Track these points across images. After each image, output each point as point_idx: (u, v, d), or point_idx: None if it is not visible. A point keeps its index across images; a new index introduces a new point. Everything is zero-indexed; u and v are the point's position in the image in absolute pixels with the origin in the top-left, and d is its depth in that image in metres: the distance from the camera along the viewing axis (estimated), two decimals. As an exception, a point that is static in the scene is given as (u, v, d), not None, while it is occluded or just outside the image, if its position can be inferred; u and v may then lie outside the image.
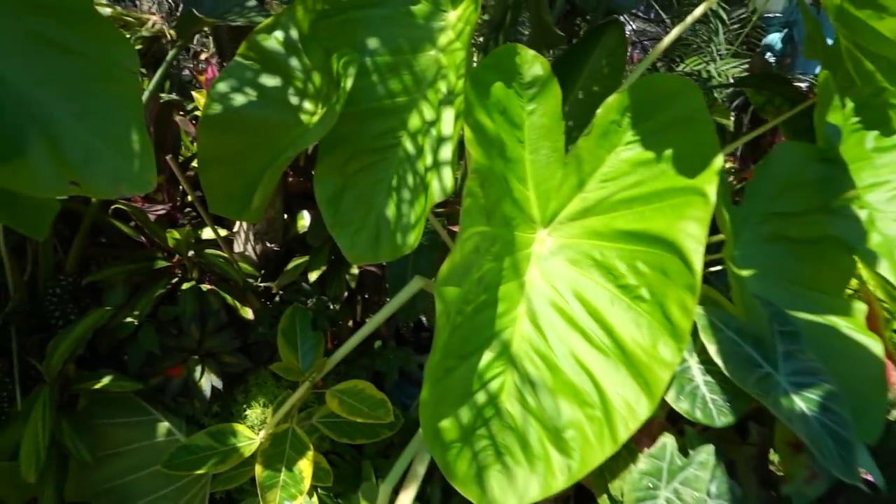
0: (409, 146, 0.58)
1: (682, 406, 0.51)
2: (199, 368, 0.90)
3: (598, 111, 0.53)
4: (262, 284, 1.04)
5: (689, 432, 0.55)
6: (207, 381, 0.89)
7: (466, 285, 0.47)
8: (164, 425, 0.88)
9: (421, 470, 0.47)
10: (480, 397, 0.48)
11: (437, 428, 0.45)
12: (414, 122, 0.58)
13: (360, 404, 0.82)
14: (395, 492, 0.73)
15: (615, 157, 0.53)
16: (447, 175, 0.52)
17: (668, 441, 0.52)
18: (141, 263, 0.91)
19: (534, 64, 0.53)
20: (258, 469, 0.79)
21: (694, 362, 0.55)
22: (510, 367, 0.50)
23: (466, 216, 0.47)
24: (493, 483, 0.48)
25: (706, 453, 0.50)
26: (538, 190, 0.53)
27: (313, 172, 0.62)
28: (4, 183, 0.42)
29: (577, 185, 0.54)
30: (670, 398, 0.51)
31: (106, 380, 0.79)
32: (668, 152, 0.49)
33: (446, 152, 0.53)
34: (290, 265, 1.04)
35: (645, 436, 0.52)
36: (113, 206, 0.91)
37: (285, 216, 1.10)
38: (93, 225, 0.93)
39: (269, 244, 1.06)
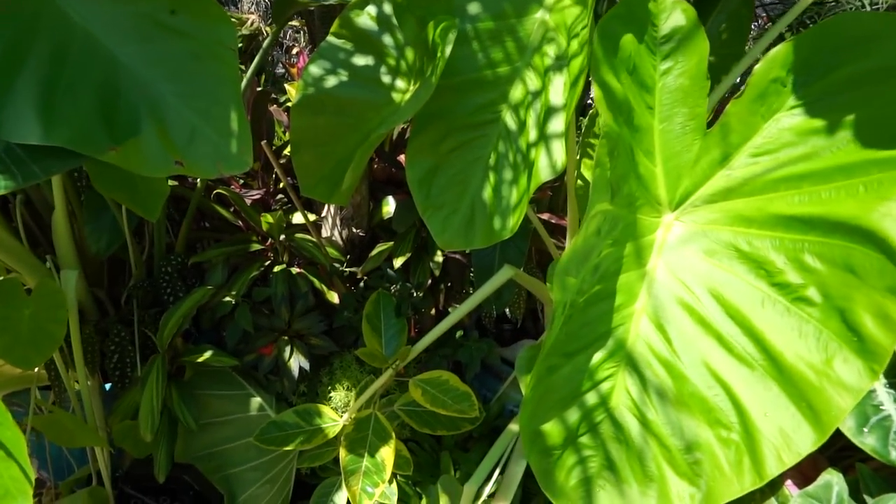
0: (510, 121, 0.53)
1: (867, 442, 0.40)
2: (288, 349, 0.92)
3: (757, 67, 0.44)
4: (347, 269, 1.06)
5: (862, 471, 0.43)
6: (296, 362, 0.92)
7: (582, 273, 0.42)
8: (256, 400, 0.92)
9: (518, 475, 0.42)
10: (589, 400, 0.42)
11: (536, 431, 0.41)
12: (516, 93, 0.53)
13: (443, 395, 0.80)
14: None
15: (774, 125, 0.43)
16: (558, 150, 0.46)
17: (833, 479, 0.41)
18: (238, 246, 0.95)
19: (673, 11, 0.44)
20: (342, 453, 0.80)
21: (881, 385, 0.44)
22: (624, 369, 0.44)
23: (594, 191, 0.41)
24: (600, 499, 0.42)
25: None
26: (667, 166, 0.45)
27: (399, 158, 0.60)
28: (120, 163, 0.44)
29: (720, 159, 0.45)
30: (848, 430, 0.41)
31: (207, 354, 0.84)
32: (852, 117, 0.39)
33: (557, 124, 0.47)
34: (375, 251, 1.04)
35: (793, 469, 0.43)
36: (214, 192, 0.97)
37: (370, 202, 1.11)
38: (197, 209, 0.99)
39: (354, 230, 1.07)
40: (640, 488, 0.41)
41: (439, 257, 1.00)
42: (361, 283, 1.06)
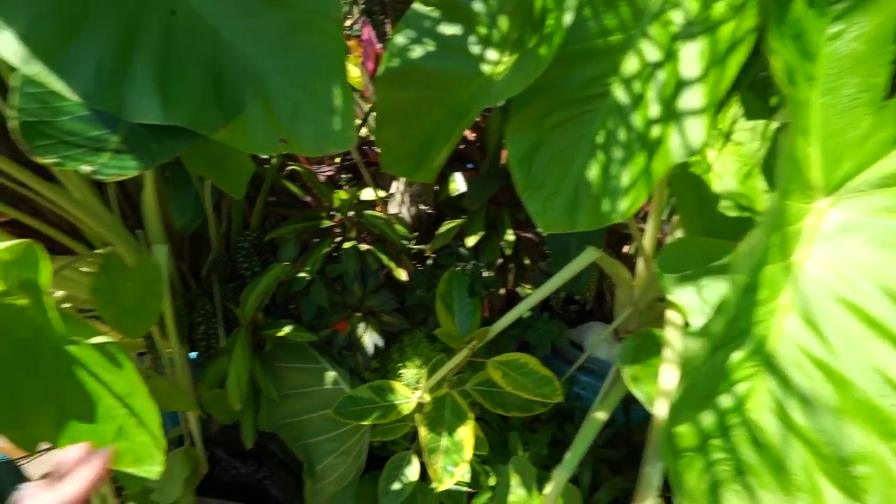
0: (620, 95, 0.49)
1: None
2: (361, 325, 0.93)
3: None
4: (415, 247, 1.05)
5: None
6: (370, 338, 0.93)
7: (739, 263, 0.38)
8: (331, 374, 0.94)
9: (653, 476, 0.40)
10: (724, 401, 0.39)
11: (671, 432, 0.38)
12: (630, 65, 0.48)
13: (523, 378, 0.78)
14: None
15: None
16: (694, 128, 0.42)
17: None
18: (310, 222, 0.96)
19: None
20: (422, 431, 0.80)
21: None
22: (765, 369, 0.40)
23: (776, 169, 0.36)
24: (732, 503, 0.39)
25: None
26: (826, 145, 0.40)
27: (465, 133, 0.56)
28: (229, 141, 0.43)
29: (893, 140, 0.39)
30: None
31: (287, 329, 0.86)
32: None
33: (692, 99, 0.42)
34: (443, 228, 1.02)
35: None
36: (288, 169, 0.97)
37: (437, 179, 1.09)
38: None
39: (422, 207, 1.06)
40: (783, 495, 0.38)
41: (510, 236, 0.98)
42: (429, 261, 1.05)
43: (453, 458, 0.76)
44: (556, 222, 0.54)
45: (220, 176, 0.67)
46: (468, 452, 0.78)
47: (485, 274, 0.96)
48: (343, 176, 1.14)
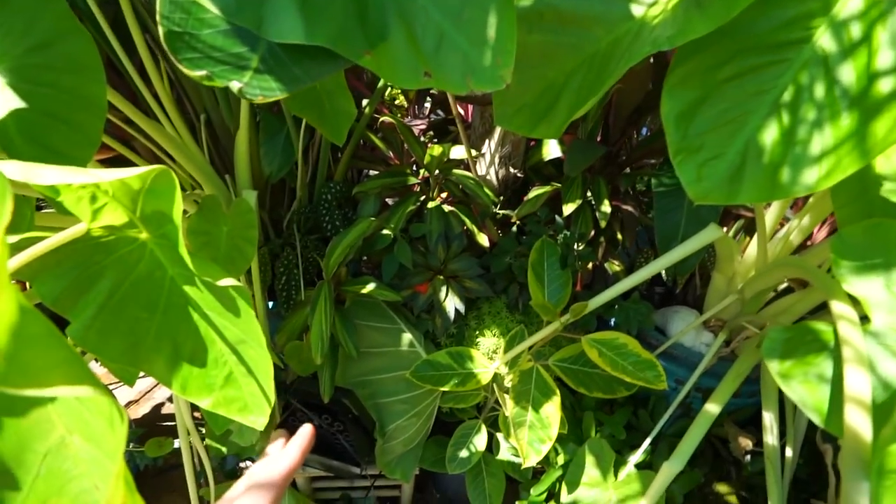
0: (827, 42, 0.40)
1: None
2: (444, 289, 0.90)
3: None
4: (500, 212, 0.99)
5: None
6: (451, 303, 0.89)
7: None
8: (407, 336, 0.92)
9: (863, 500, 0.35)
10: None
11: (886, 451, 0.32)
12: (848, 2, 0.39)
13: (622, 360, 0.73)
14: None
15: None
16: None
17: None
18: (397, 178, 0.92)
19: None
20: (509, 404, 0.77)
21: None
22: None
23: None
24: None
25: None
26: None
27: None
28: (375, 68, 0.38)
29: None
30: None
31: (371, 286, 0.83)
32: None
33: None
34: (532, 194, 0.96)
35: None
36: (380, 120, 0.92)
37: (527, 141, 1.02)
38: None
39: (511, 169, 0.99)
40: None
41: (607, 207, 0.90)
42: (514, 227, 0.99)
43: (539, 434, 0.72)
44: (712, 192, 0.47)
45: (321, 119, 0.63)
46: (554, 430, 0.74)
47: (577, 246, 0.90)
48: (423, 136, 1.08)
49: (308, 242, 0.91)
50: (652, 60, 0.91)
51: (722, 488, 1.08)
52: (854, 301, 0.47)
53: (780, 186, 0.43)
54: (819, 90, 0.41)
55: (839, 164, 0.40)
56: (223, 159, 0.93)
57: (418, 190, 0.99)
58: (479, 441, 0.93)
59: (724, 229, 1.11)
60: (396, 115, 0.99)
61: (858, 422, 0.37)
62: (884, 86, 0.37)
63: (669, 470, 0.61)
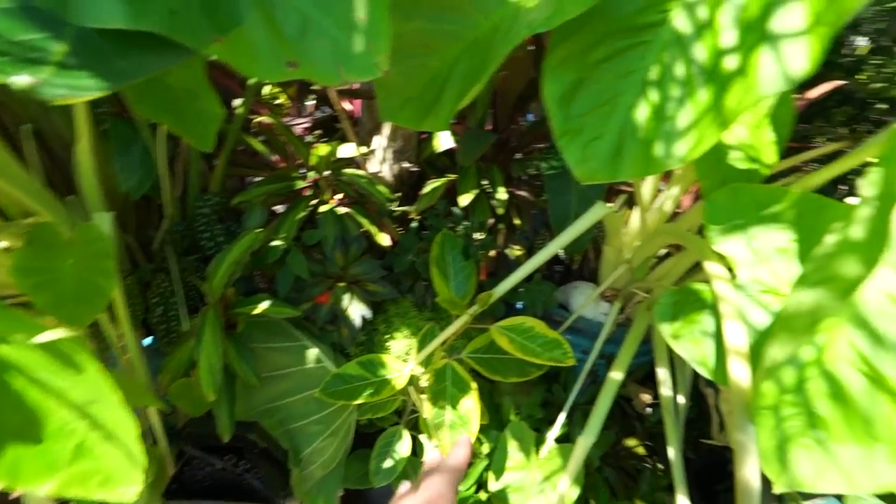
0: (680, 23, 0.43)
1: None
2: (347, 296, 0.85)
3: None
4: (398, 209, 0.96)
5: None
6: (356, 310, 0.85)
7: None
8: (313, 352, 0.86)
9: (752, 444, 0.37)
10: (803, 355, 0.36)
11: (759, 390, 0.35)
12: (694, -16, 0.42)
13: (531, 343, 0.74)
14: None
15: None
16: (795, 53, 0.36)
17: None
18: (282, 183, 0.84)
19: None
20: (426, 406, 0.74)
21: None
22: (847, 318, 0.38)
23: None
24: (801, 459, 0.37)
25: None
26: None
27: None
28: (229, 58, 0.33)
29: None
30: None
31: (264, 305, 0.76)
32: None
33: (790, 18, 0.36)
34: (428, 187, 0.94)
35: None
36: (255, 121, 0.84)
37: (418, 134, 1.00)
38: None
39: (405, 164, 0.96)
40: (858, 448, 0.37)
41: (503, 194, 0.92)
42: (413, 224, 0.97)
43: (459, 431, 0.71)
44: (597, 171, 0.48)
45: (182, 123, 0.55)
46: (475, 424, 0.74)
47: (477, 235, 0.90)
48: (310, 134, 1.01)
49: (186, 264, 0.80)
50: (533, 48, 0.94)
51: (630, 442, 1.17)
52: (723, 258, 0.52)
53: (655, 161, 0.45)
54: (679, 69, 0.44)
55: (703, 136, 0.43)
56: (65, 178, 0.78)
57: (309, 194, 0.93)
58: (403, 447, 0.90)
59: (611, 205, 1.20)
60: (276, 115, 0.91)
61: (739, 371, 0.40)
62: (728, 63, 0.40)
63: (585, 442, 0.63)
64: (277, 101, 1.01)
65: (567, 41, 0.46)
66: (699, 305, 0.51)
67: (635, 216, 0.95)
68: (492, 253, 0.99)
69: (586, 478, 1.01)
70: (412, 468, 0.95)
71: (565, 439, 1.02)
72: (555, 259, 1.23)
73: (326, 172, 0.89)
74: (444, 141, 0.97)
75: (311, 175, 0.92)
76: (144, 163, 0.71)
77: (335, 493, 0.89)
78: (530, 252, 1.03)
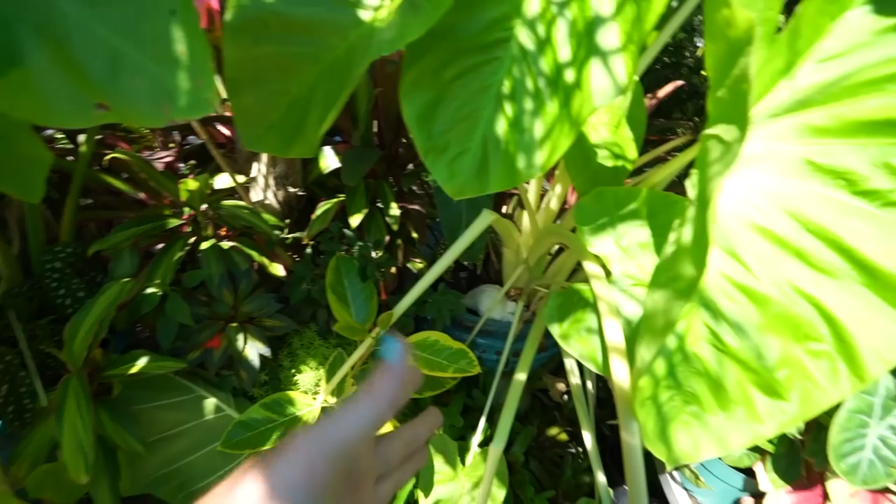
0: (525, 39, 0.44)
1: None
2: (241, 337, 0.79)
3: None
4: (289, 236, 0.91)
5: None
6: (253, 350, 0.79)
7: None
8: (210, 402, 0.79)
9: (637, 440, 0.38)
10: (670, 343, 0.39)
11: (638, 386, 0.37)
12: (531, 4, 0.43)
13: (436, 357, 0.74)
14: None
15: (843, 26, 0.40)
16: (619, 66, 0.39)
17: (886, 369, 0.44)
18: (151, 224, 0.76)
19: None
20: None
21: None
22: (699, 304, 0.41)
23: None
24: (680, 435, 0.40)
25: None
26: None
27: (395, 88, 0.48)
28: (6, 108, 0.28)
29: (782, 70, 0.41)
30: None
31: (143, 362, 0.68)
32: None
33: (608, 37, 0.39)
34: (319, 211, 0.91)
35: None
36: (107, 158, 0.75)
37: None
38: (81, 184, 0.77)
39: (291, 189, 0.92)
40: (723, 414, 0.40)
41: (395, 210, 0.91)
42: (308, 250, 0.93)
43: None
44: (465, 187, 0.49)
45: (-3, 173, 0.47)
46: (393, 449, 0.71)
47: (374, 254, 0.88)
48: (183, 164, 0.93)
49: (37, 330, 0.70)
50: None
51: (552, 431, 1.22)
52: (598, 257, 0.55)
53: (518, 172, 0.46)
54: (529, 82, 0.46)
55: (557, 144, 0.45)
56: None
57: (188, 231, 0.85)
58: (325, 483, 0.86)
59: (504, 207, 1.24)
60: (136, 147, 0.83)
61: (618, 368, 0.42)
62: (568, 76, 0.42)
63: (496, 450, 0.64)
64: (137, 133, 0.91)
65: (419, 62, 0.46)
66: (582, 305, 0.54)
67: (527, 217, 0.99)
68: (393, 270, 0.97)
69: (513, 475, 1.03)
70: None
71: (489, 443, 1.04)
72: (459, 266, 1.25)
73: (203, 206, 0.82)
74: (330, 161, 0.94)
75: (187, 211, 0.84)
76: (-37, 220, 0.60)
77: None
78: (433, 263, 1.03)
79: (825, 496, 0.72)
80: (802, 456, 0.73)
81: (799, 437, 0.74)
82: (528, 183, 0.94)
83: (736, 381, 0.40)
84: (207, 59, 0.33)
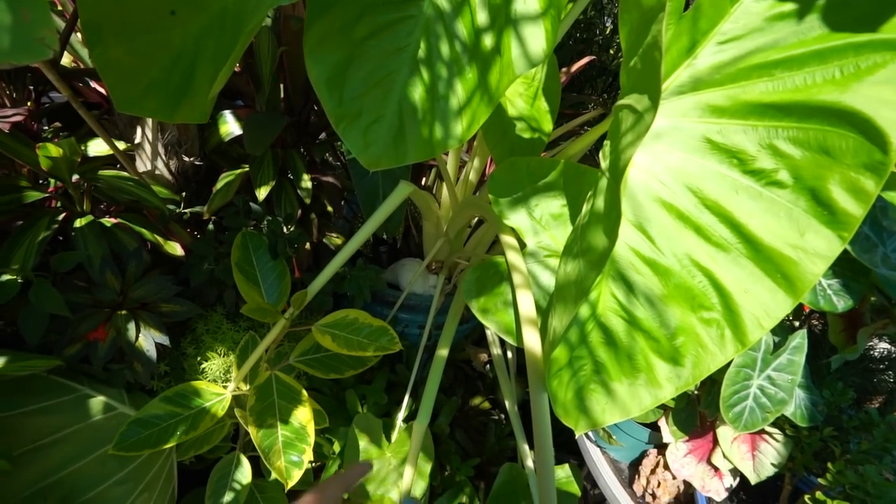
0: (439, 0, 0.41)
1: (805, 297, 0.47)
2: (132, 325, 0.70)
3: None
4: (187, 210, 0.82)
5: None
6: (148, 339, 0.71)
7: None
8: (97, 401, 0.70)
9: (538, 407, 0.39)
10: (581, 314, 0.40)
11: (552, 358, 0.37)
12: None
13: (357, 336, 0.71)
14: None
15: (741, 10, 0.41)
16: (535, 36, 0.37)
17: (763, 335, 0.49)
18: (3, 197, 0.64)
19: None
20: (252, 431, 0.66)
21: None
22: (608, 275, 0.42)
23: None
24: (592, 404, 0.42)
25: (800, 337, 0.49)
26: None
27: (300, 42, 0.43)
28: None
29: (687, 49, 0.42)
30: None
31: (0, 362, 0.58)
32: (822, 1, 0.39)
33: (527, 5, 0.37)
34: (220, 183, 0.82)
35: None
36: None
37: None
38: None
39: (186, 158, 0.82)
40: (628, 381, 0.42)
41: (307, 182, 0.85)
42: (210, 226, 0.84)
43: (297, 446, 0.66)
44: (382, 157, 0.46)
45: None
46: (311, 435, 0.69)
47: (286, 229, 0.82)
48: (47, 127, 0.78)
49: None
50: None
51: (476, 401, 1.25)
52: (513, 230, 0.55)
53: (437, 142, 0.44)
54: (445, 47, 0.43)
55: (476, 114, 0.43)
56: None
57: (57, 206, 0.73)
58: (243, 475, 0.81)
59: (423, 180, 1.21)
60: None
61: (531, 340, 0.43)
62: (487, 42, 0.40)
63: (420, 427, 0.64)
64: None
65: (324, 16, 0.41)
66: (499, 278, 0.54)
67: (446, 189, 0.98)
68: (308, 246, 0.92)
69: (439, 446, 1.05)
70: (258, 490, 0.86)
71: (414, 417, 1.04)
72: (379, 240, 1.21)
73: (75, 178, 0.70)
74: (232, 127, 0.85)
75: (54, 183, 0.72)
76: None
77: (162, 553, 0.76)
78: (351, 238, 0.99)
79: (715, 441, 0.82)
80: (698, 409, 0.81)
81: (695, 392, 0.82)
82: (446, 154, 0.92)
83: (641, 350, 0.42)
84: (43, -5, 0.26)
